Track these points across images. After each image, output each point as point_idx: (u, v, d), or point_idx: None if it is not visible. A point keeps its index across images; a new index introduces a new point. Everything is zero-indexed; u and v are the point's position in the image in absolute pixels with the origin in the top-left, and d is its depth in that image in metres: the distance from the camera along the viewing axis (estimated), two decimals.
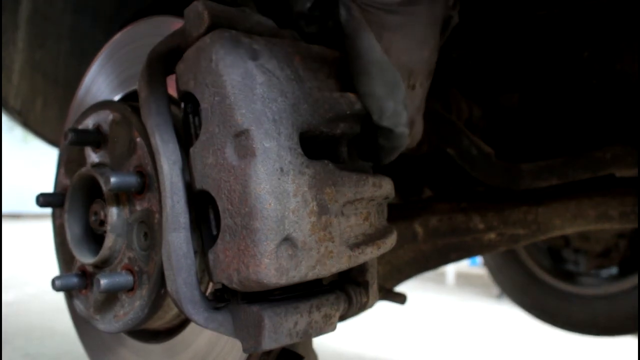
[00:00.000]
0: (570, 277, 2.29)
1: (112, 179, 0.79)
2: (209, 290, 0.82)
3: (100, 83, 1.04)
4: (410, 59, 0.78)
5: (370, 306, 0.82)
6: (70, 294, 0.96)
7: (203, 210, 0.70)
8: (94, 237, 0.94)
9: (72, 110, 1.11)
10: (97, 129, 0.91)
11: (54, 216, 1.02)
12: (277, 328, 0.67)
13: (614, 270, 2.20)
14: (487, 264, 2.61)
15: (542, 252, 2.38)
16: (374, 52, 0.75)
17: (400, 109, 0.78)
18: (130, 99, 0.97)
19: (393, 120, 0.78)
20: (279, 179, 0.63)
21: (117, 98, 0.99)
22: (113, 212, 0.85)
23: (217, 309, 0.70)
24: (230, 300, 0.70)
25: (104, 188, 0.85)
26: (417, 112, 0.83)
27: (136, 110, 0.86)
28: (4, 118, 1.80)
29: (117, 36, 1.01)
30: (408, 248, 1.28)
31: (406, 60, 0.78)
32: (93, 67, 1.06)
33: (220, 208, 0.65)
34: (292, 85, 0.69)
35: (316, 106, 0.69)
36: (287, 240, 0.64)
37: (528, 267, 2.38)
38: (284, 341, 0.67)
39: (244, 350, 0.68)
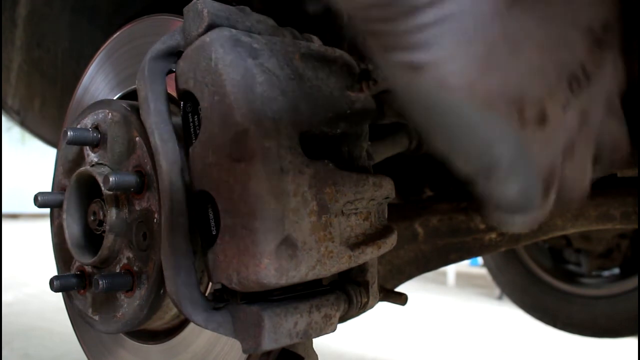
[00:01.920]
0: (571, 277, 2.29)
1: (111, 179, 0.78)
2: (208, 291, 0.82)
3: (99, 82, 1.04)
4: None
5: (371, 307, 0.82)
6: (68, 294, 0.95)
7: (202, 210, 0.69)
8: (93, 237, 0.94)
9: (71, 110, 1.10)
10: (96, 128, 0.90)
11: (52, 216, 1.01)
12: (277, 328, 0.66)
13: (615, 270, 2.20)
14: (487, 264, 2.61)
15: (543, 253, 2.38)
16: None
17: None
18: (129, 98, 0.97)
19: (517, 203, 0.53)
20: (278, 178, 0.63)
21: (116, 97, 0.99)
22: (112, 212, 0.85)
23: (216, 309, 0.69)
24: (230, 300, 0.70)
25: (103, 188, 0.85)
26: (566, 157, 0.56)
27: (135, 110, 0.85)
28: (2, 118, 1.79)
29: (116, 35, 1.00)
30: (408, 248, 1.27)
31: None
32: (92, 66, 1.05)
33: (219, 208, 0.65)
34: (292, 84, 0.68)
35: (316, 105, 0.69)
36: (287, 240, 0.63)
37: (529, 267, 2.37)
38: (284, 341, 0.67)
39: (244, 351, 0.68)
